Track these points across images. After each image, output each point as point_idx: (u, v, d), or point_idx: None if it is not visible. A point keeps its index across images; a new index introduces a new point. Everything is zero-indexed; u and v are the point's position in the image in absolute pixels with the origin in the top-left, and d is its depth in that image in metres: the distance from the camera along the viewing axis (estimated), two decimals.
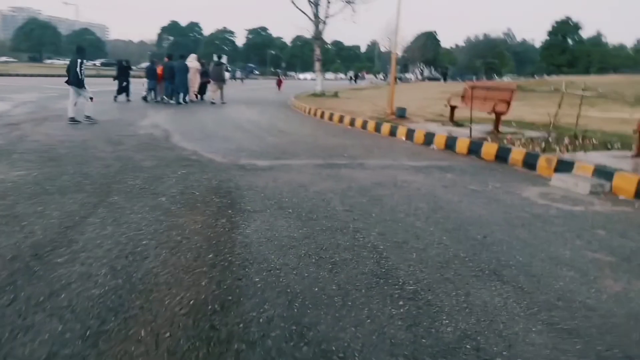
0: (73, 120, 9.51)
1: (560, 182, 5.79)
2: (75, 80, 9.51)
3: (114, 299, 2.42)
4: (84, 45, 11.16)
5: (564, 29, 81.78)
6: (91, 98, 9.80)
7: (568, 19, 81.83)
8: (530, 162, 6.73)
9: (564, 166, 6.22)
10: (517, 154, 7.01)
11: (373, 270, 2.94)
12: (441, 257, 3.21)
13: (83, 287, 2.52)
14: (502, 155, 7.25)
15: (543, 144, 7.42)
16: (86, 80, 9.76)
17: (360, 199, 4.64)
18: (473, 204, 4.64)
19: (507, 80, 63.46)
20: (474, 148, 7.77)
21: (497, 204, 4.69)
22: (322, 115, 13.48)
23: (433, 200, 4.69)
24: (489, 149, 7.51)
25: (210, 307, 2.40)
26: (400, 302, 2.54)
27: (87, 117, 9.73)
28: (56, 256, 2.90)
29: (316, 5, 22.78)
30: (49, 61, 76.82)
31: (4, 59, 70.13)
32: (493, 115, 9.33)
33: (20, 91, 18.56)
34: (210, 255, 3.05)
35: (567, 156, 6.63)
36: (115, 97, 15.43)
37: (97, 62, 56.17)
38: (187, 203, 4.22)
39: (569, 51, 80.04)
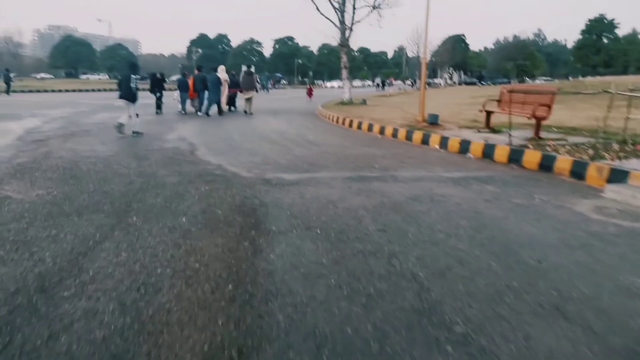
0: (120, 126, 9.86)
1: (614, 194, 5.25)
2: (130, 95, 9.89)
3: (119, 343, 2.13)
4: (135, 61, 11.63)
5: (599, 27, 79.05)
6: (137, 115, 10.09)
7: (602, 16, 79.06)
8: (578, 171, 6.18)
9: (616, 175, 5.67)
10: (563, 162, 6.47)
11: (414, 306, 2.56)
12: (492, 288, 2.80)
13: (86, 328, 2.24)
14: (546, 164, 6.72)
15: (591, 151, 6.86)
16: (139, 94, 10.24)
17: (395, 216, 4.26)
18: (521, 221, 4.19)
19: (539, 82, 61.66)
20: (514, 156, 7.26)
21: (548, 221, 4.23)
22: (350, 124, 13.14)
23: (475, 217, 4.26)
24: (531, 157, 6.99)
25: (226, 353, 2.08)
26: (449, 348, 2.15)
27: (135, 132, 9.96)
28: (63, 289, 2.65)
29: (342, 12, 22.53)
30: (84, 77, 79.55)
31: (41, 75, 72.95)
32: (531, 121, 8.79)
33: (53, 107, 19.00)
34: (230, 287, 2.74)
35: (618, 164, 6.06)
36: (157, 111, 15.62)
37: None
38: (208, 223, 3.95)
39: (604, 50, 77.22)
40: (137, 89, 10.10)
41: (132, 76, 10.05)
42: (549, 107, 8.47)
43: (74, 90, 36.77)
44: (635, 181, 5.42)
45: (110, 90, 39.92)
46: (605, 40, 79.22)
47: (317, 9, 22.58)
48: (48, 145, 8.22)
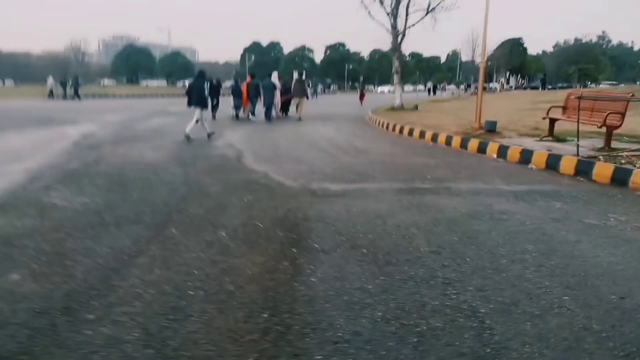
0: (188, 137, 10.11)
1: None
2: (202, 102, 10.40)
3: None
4: (204, 69, 12.05)
5: None
6: (197, 121, 10.49)
7: None
8: None
9: None
10: (639, 176, 5.78)
11: (474, 350, 2.19)
12: (567, 330, 2.38)
13: None
14: (619, 178, 6.05)
15: None
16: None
17: (450, 236, 3.86)
18: (596, 246, 3.67)
19: (604, 87, 58.04)
20: (583, 168, 6.60)
21: (627, 247, 3.68)
22: (401, 131, 12.69)
23: (543, 240, 3.79)
24: (603, 169, 6.32)
25: None
26: None
27: (209, 134, 10.55)
28: (88, 310, 2.49)
29: (394, 16, 22.06)
30: (144, 83, 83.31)
31: (105, 81, 77.07)
32: (600, 129, 8.03)
33: (111, 112, 19.79)
34: (265, 315, 2.48)
35: None
36: (213, 116, 15.99)
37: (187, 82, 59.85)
38: (248, 238, 3.73)
39: None
40: (208, 96, 10.66)
41: (205, 84, 10.58)
42: (622, 114, 7.70)
43: (133, 96, 38.42)
44: None
45: (167, 95, 41.48)
46: None
47: (370, 14, 22.24)
48: (100, 151, 8.39)
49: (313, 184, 5.84)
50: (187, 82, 18.21)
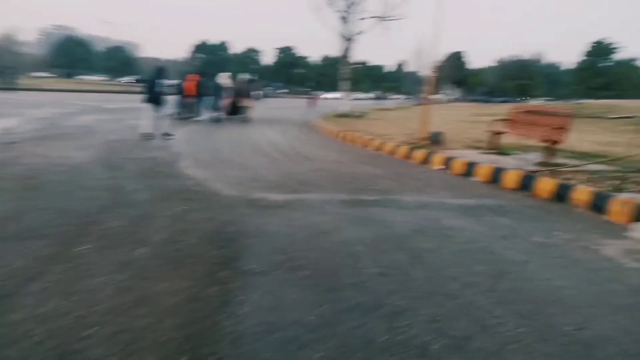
0: (148, 136, 9.83)
1: None
2: (156, 99, 10.09)
3: None
4: (163, 65, 11.53)
5: (600, 50, 79.39)
6: (153, 119, 10.16)
7: (602, 41, 79.44)
8: (598, 204, 5.55)
9: None
10: (581, 193, 5.82)
11: None
12: None
13: None
14: (561, 193, 6.08)
15: (611, 181, 6.24)
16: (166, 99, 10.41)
17: (398, 254, 3.58)
18: (546, 267, 3.53)
19: (541, 103, 61.47)
20: (526, 182, 6.62)
21: (577, 269, 3.56)
22: (347, 138, 12.50)
23: (492, 260, 3.59)
24: (545, 184, 6.35)
25: None
26: None
27: (165, 133, 10.16)
28: None
29: (345, 21, 22.02)
30: (82, 77, 78.89)
31: (39, 74, 72.13)
32: (543, 144, 8.17)
33: (40, 106, 18.28)
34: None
35: None
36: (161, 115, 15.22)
37: (129, 79, 57.12)
38: (173, 258, 3.25)
39: (604, 74, 77.39)
40: (163, 93, 10.30)
41: (160, 81, 10.22)
42: (565, 130, 7.87)
43: (69, 90, 36.00)
44: None
45: (105, 91, 39.30)
46: (605, 64, 79.45)
47: (320, 18, 22.09)
48: (17, 150, 7.49)
49: (253, 193, 5.42)
50: (129, 78, 17.23)
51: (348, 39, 22.27)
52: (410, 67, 73.39)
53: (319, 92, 75.27)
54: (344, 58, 22.93)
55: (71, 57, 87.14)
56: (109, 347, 2.12)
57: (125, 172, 6.19)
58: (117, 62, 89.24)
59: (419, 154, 9.11)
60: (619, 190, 5.87)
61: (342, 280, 3.04)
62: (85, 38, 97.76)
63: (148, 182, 5.63)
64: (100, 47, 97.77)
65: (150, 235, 3.68)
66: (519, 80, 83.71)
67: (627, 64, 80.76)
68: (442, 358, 2.20)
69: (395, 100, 62.64)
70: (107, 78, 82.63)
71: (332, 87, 78.96)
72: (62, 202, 4.53)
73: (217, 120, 15.47)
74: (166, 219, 4.17)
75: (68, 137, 9.45)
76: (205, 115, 15.56)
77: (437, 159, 8.56)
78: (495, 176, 7.13)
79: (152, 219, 4.12)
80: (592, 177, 6.64)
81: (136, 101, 16.08)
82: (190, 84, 15.90)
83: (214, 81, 16.20)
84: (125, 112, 15.90)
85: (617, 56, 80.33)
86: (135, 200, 4.76)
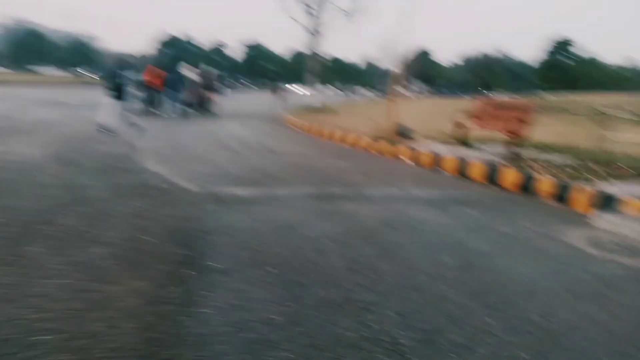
0: (107, 129, 9.40)
1: (604, 223, 4.72)
2: (118, 91, 9.76)
3: None
4: (126, 57, 11.07)
5: (562, 48, 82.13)
6: (119, 111, 9.82)
7: (565, 39, 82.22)
8: (561, 194, 5.67)
9: (602, 200, 5.18)
10: (544, 184, 5.94)
11: None
12: None
13: None
14: (526, 185, 6.19)
15: (572, 172, 6.39)
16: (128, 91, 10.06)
17: (366, 249, 3.53)
18: (511, 257, 3.55)
19: (504, 97, 63.05)
20: (491, 175, 6.72)
21: (541, 257, 3.61)
22: (315, 132, 12.42)
23: (459, 251, 3.59)
24: (509, 176, 6.45)
25: None
26: None
27: (134, 125, 9.80)
28: None
29: (311, 15, 21.89)
30: (36, 69, 75.75)
31: None
32: (509, 137, 8.32)
33: None
34: None
35: (602, 187, 5.58)
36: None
37: (85, 71, 55.05)
38: (131, 257, 3.08)
39: (566, 70, 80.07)
40: (124, 85, 9.94)
41: (121, 72, 9.92)
42: (527, 122, 8.02)
43: (24, 84, 34.44)
44: (623, 207, 4.94)
45: (63, 84, 37.80)
46: (567, 61, 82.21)
47: (286, 11, 21.87)
48: None
49: (217, 188, 5.26)
50: (85, 71, 16.63)
51: (314, 33, 22.15)
52: (379, 63, 73.82)
53: (286, 85, 74.85)
54: (311, 52, 22.81)
55: (30, 50, 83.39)
56: (61, 354, 1.96)
57: (82, 168, 5.91)
58: (77, 55, 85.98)
59: (387, 147, 9.12)
60: (581, 180, 6.01)
61: (309, 276, 2.95)
62: (46, 32, 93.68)
63: (105, 179, 5.38)
64: (59, 40, 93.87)
65: (107, 233, 3.49)
66: (483, 75, 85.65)
67: (588, 61, 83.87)
68: (412, 352, 2.15)
69: (365, 95, 62.97)
70: (66, 72, 79.62)
71: (303, 82, 78.78)
72: (13, 200, 4.25)
73: (182, 114, 15.07)
74: (125, 216, 3.97)
75: (20, 132, 8.99)
76: (170, 109, 15.14)
77: (405, 152, 8.59)
78: (462, 169, 7.21)
79: (110, 217, 3.92)
80: (554, 168, 6.78)
81: (96, 94, 15.54)
82: (151, 75, 15.38)
83: (179, 73, 15.84)
84: (85, 106, 15.27)
85: (579, 53, 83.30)
86: (92, 197, 4.52)
